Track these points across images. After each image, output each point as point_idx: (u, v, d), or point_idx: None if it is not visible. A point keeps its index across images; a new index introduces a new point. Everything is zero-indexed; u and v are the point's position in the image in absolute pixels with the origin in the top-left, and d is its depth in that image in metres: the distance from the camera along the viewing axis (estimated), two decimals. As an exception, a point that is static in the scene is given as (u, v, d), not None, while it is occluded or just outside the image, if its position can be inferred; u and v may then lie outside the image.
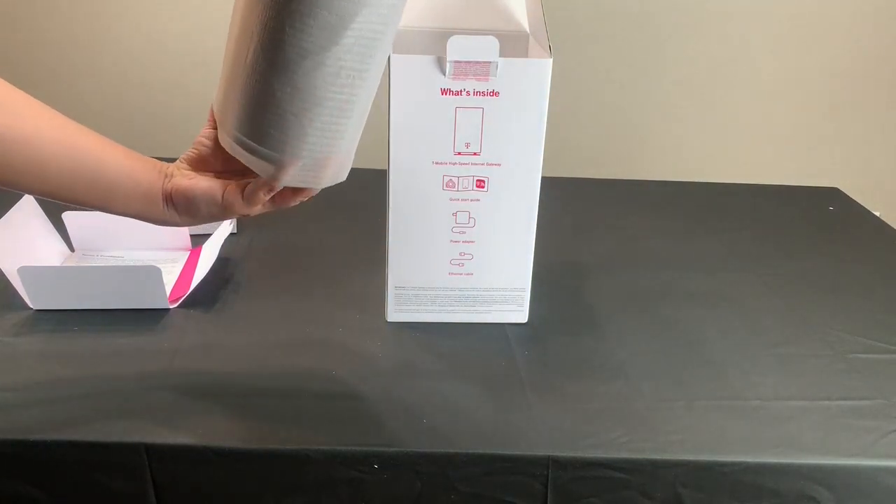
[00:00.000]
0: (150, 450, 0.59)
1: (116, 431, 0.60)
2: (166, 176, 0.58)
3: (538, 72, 0.67)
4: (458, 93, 0.67)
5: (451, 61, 0.66)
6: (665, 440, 0.62)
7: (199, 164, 0.60)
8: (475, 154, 0.70)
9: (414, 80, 0.67)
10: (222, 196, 0.57)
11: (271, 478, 0.60)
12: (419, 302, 0.77)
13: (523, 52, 0.76)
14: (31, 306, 0.76)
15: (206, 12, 1.24)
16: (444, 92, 0.67)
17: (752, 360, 0.73)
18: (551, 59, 0.67)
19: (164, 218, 0.59)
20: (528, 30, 0.76)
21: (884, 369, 0.73)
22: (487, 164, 0.71)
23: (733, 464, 0.60)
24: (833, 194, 1.20)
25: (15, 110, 0.54)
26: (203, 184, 0.58)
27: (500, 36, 0.66)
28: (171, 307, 0.77)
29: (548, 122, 0.69)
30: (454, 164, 0.71)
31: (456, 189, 0.72)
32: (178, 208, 0.58)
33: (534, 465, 0.60)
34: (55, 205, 0.85)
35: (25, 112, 0.54)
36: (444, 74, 0.66)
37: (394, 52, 0.66)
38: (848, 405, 0.68)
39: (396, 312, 0.77)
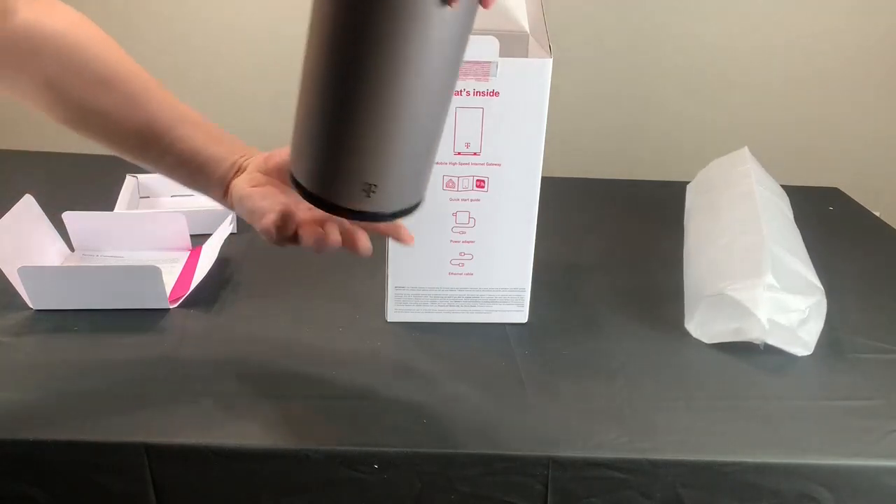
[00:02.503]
0: (150, 450, 0.59)
1: (116, 431, 0.60)
2: (238, 170, 0.61)
3: (538, 72, 0.67)
4: (458, 93, 0.67)
5: (451, 61, 0.66)
6: (665, 440, 0.62)
7: (274, 172, 0.60)
8: (475, 154, 0.70)
9: (414, 80, 0.67)
10: (262, 221, 0.57)
11: (271, 478, 0.60)
12: (419, 302, 0.77)
13: (523, 52, 0.76)
14: (31, 306, 0.76)
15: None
16: (444, 92, 0.67)
17: (752, 360, 0.73)
18: (551, 59, 0.67)
19: (224, 202, 0.62)
20: (528, 30, 0.76)
21: (884, 369, 0.73)
22: (487, 164, 0.71)
23: (733, 464, 0.60)
24: (833, 194, 1.20)
25: (135, 70, 0.60)
26: (256, 202, 0.58)
27: (500, 36, 0.66)
28: (171, 307, 0.77)
29: (548, 122, 0.69)
30: (454, 164, 0.70)
31: (456, 189, 0.72)
32: (234, 203, 0.61)
33: (534, 465, 0.60)
34: (55, 205, 0.86)
35: (142, 74, 0.61)
36: (444, 74, 0.66)
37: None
38: (848, 405, 0.67)
39: (396, 312, 0.77)
